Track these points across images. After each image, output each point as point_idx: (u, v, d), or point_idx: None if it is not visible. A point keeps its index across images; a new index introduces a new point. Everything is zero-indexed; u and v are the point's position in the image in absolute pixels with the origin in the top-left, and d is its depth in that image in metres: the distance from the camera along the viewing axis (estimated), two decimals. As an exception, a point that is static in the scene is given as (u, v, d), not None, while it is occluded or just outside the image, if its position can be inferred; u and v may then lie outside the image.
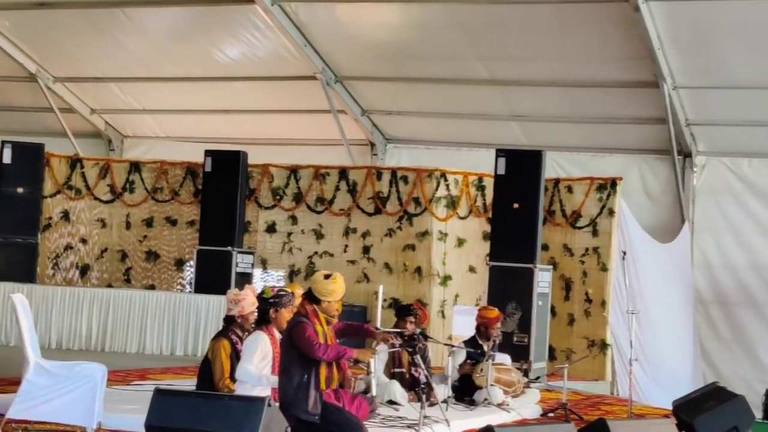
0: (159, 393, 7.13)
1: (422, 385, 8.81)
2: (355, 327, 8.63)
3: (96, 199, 17.22)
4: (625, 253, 11.80)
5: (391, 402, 9.89)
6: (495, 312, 11.24)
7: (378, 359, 10.11)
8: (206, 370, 8.85)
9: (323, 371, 7.81)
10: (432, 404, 9.27)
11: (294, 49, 16.79)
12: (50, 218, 17.07)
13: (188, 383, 9.54)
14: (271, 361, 8.28)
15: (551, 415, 10.65)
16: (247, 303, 8.79)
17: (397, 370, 10.48)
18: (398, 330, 10.36)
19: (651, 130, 16.64)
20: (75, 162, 17.38)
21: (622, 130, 16.94)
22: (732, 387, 10.71)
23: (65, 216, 17.16)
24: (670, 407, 10.16)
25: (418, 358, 9.56)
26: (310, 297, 7.97)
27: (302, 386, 7.72)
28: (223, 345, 8.76)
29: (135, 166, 17.35)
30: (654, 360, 15.42)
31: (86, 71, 18.87)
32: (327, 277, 7.98)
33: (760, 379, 15.70)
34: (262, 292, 8.65)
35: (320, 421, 7.70)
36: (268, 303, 8.43)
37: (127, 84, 19.07)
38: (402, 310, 10.69)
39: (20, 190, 15.95)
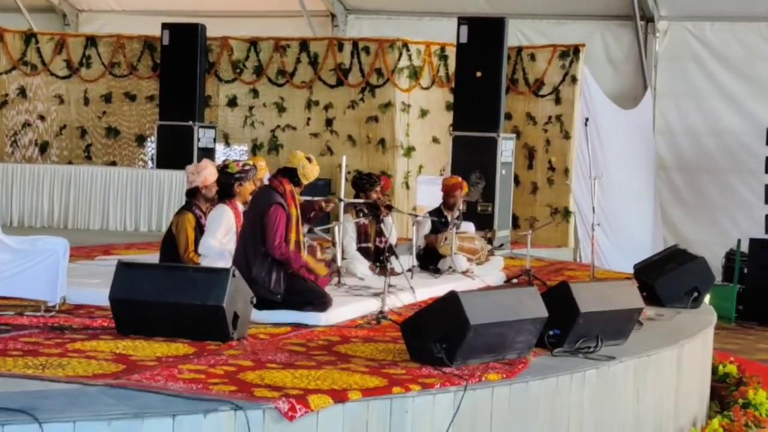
0: (122, 266, 7.14)
1: (387, 254, 8.83)
2: (303, 206, 8.61)
3: (52, 74, 16.89)
4: (587, 119, 11.78)
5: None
6: (454, 179, 11.25)
7: (348, 237, 10.14)
8: (169, 244, 8.85)
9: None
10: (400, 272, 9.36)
11: None
12: (6, 95, 16.77)
13: (153, 258, 9.51)
14: (234, 235, 8.30)
15: (515, 281, 10.76)
16: (209, 172, 8.78)
17: (363, 245, 10.47)
18: (364, 201, 10.36)
19: (613, -5, 16.49)
20: (29, 37, 16.98)
21: (584, -5, 16.78)
22: (693, 251, 10.83)
23: (22, 92, 16.84)
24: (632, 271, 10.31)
25: (383, 227, 9.58)
26: (291, 177, 7.93)
27: (265, 265, 7.70)
28: (188, 218, 8.76)
29: (91, 41, 16.98)
30: (616, 226, 15.58)
31: (37, -57, 18.36)
32: (310, 160, 8.00)
33: (720, 243, 15.90)
34: (227, 166, 8.62)
35: (285, 295, 7.74)
36: (233, 177, 8.42)
37: (80, -44, 18.59)
38: (365, 181, 10.54)
39: (-26, 66, 15.65)
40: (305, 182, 8.03)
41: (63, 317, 7.51)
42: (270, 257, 7.69)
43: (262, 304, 7.48)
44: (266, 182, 8.81)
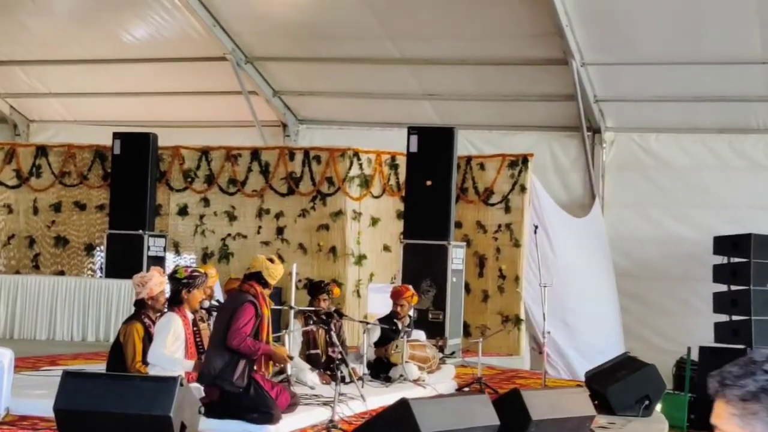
0: (68, 375, 7.01)
1: (337, 362, 8.78)
2: None
3: (1, 184, 16.81)
4: (536, 227, 11.88)
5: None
6: (400, 287, 11.32)
7: (294, 343, 10.09)
8: (117, 354, 8.73)
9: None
10: (351, 380, 9.28)
11: (203, 30, 16.57)
12: (-46, 205, 16.65)
13: (100, 368, 9.36)
14: (183, 342, 8.19)
15: (467, 389, 10.70)
16: (154, 283, 8.68)
17: (312, 351, 10.43)
18: (313, 309, 10.36)
19: (560, 107, 16.77)
20: (-21, 147, 16.96)
21: (532, 107, 17.06)
22: (647, 358, 10.85)
23: (-30, 202, 16.74)
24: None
25: (333, 336, 9.54)
26: (258, 280, 7.95)
27: (233, 360, 7.68)
28: (136, 328, 8.64)
29: (41, 150, 16.97)
30: (568, 333, 15.56)
31: (-11, 54, 18.42)
32: (272, 261, 8.05)
33: (670, 351, 15.91)
34: (175, 272, 8.57)
35: (243, 392, 7.67)
36: (180, 283, 8.34)
37: (33, 67, 18.64)
38: (314, 288, 10.68)
39: None
40: (272, 282, 8.07)
41: (6, 429, 7.33)
42: (239, 354, 7.67)
43: (221, 401, 7.40)
44: (217, 291, 8.77)
